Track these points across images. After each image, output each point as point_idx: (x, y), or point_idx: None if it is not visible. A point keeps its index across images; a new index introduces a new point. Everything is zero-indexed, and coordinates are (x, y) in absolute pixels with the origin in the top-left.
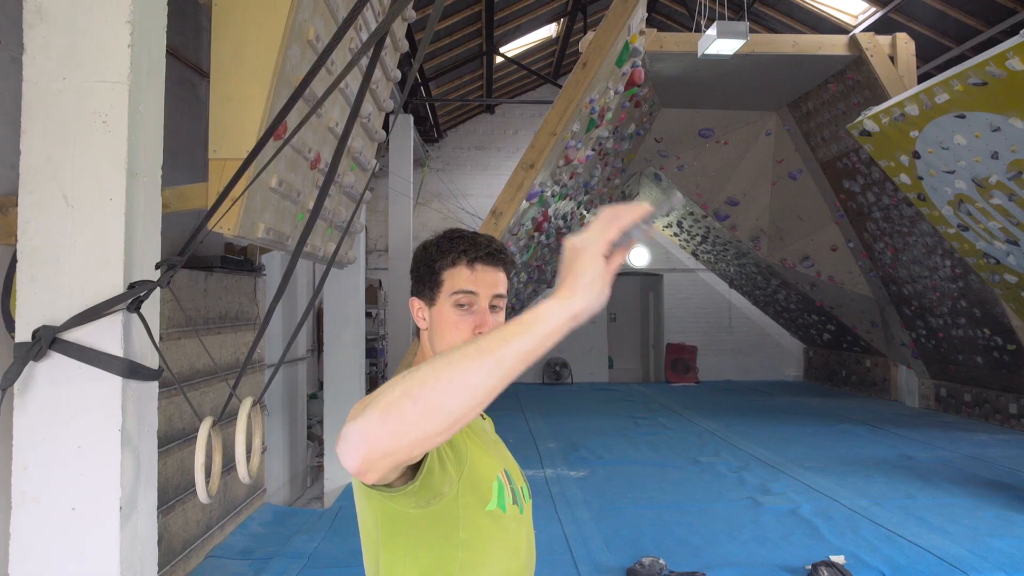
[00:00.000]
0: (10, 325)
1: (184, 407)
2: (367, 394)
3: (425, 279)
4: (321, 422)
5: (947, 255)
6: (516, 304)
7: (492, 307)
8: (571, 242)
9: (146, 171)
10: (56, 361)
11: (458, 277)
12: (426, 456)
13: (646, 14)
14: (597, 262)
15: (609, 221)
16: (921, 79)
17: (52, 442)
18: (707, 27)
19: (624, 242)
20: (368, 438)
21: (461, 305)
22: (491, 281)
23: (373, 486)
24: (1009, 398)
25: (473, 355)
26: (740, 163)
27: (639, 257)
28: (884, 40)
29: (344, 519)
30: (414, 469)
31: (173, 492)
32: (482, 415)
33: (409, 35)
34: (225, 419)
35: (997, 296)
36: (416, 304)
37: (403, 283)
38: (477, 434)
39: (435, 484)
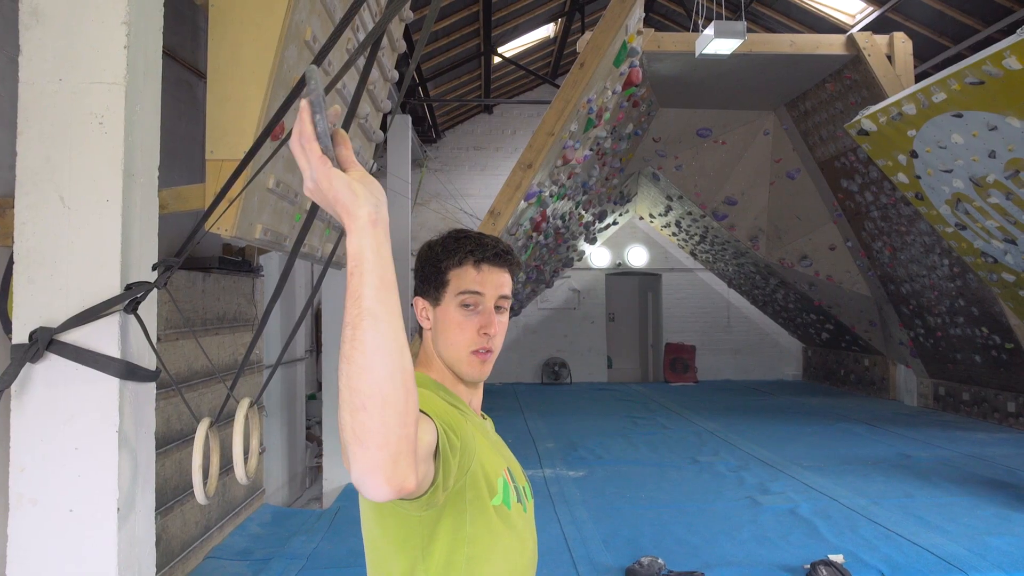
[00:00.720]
0: (7, 327)
1: (182, 408)
2: None
3: (430, 279)
4: (320, 423)
5: (945, 254)
6: (514, 304)
7: (497, 308)
8: (309, 193)
9: (143, 172)
10: (53, 363)
11: (464, 277)
12: (438, 446)
13: (644, 14)
14: (335, 177)
15: (300, 148)
16: (919, 78)
17: (49, 443)
18: (704, 27)
19: (327, 142)
20: (371, 466)
21: (467, 305)
22: (497, 282)
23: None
24: (1007, 396)
25: (352, 333)
26: (738, 163)
27: (638, 257)
28: (881, 39)
29: (343, 519)
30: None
31: (171, 493)
32: (483, 415)
33: (407, 35)
34: (223, 420)
35: (995, 295)
36: (420, 304)
37: (402, 283)
38: (482, 433)
39: (441, 485)
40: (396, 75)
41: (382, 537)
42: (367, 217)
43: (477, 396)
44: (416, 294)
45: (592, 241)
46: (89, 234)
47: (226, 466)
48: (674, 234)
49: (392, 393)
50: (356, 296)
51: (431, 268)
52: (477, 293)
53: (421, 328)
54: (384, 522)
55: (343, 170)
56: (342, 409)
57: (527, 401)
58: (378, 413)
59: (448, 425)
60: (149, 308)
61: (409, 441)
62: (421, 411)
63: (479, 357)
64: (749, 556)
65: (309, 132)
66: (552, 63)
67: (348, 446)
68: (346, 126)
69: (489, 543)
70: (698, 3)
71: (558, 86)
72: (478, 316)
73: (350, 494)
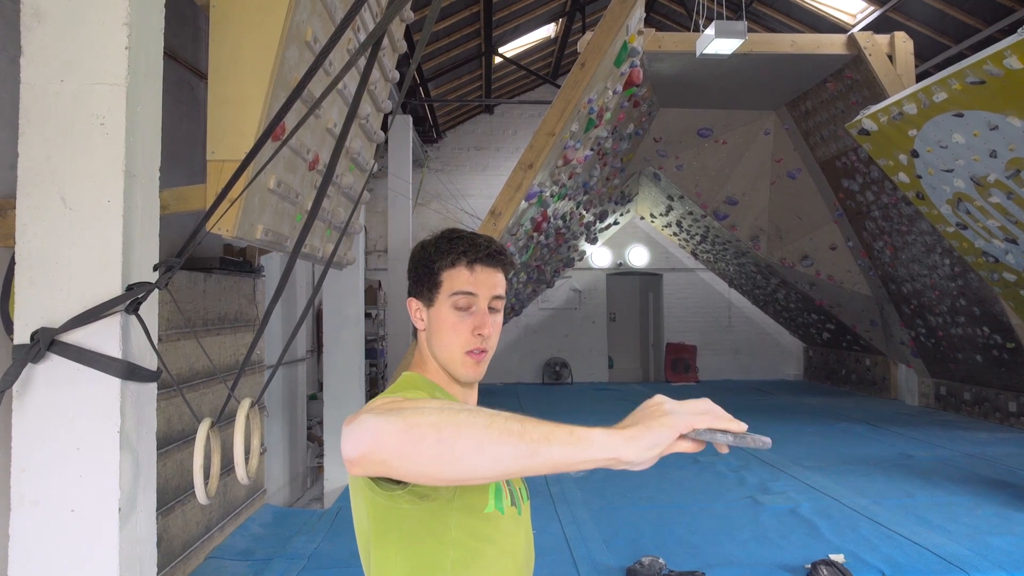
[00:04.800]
0: (9, 327)
1: (183, 408)
2: (367, 396)
3: (423, 280)
4: (321, 423)
5: (946, 254)
6: (515, 304)
7: (491, 308)
8: (662, 400)
9: (144, 173)
10: (55, 363)
11: (457, 278)
12: None
13: (644, 14)
14: (670, 433)
15: (704, 412)
16: (920, 78)
17: (51, 444)
18: (705, 27)
19: (702, 436)
20: (380, 440)
21: (460, 307)
22: (490, 282)
23: (372, 479)
24: (1008, 396)
25: (514, 434)
26: (739, 162)
27: (638, 257)
28: (882, 39)
29: (344, 520)
30: None
31: (173, 493)
32: None
33: (408, 36)
34: (224, 420)
35: (996, 294)
36: (414, 305)
37: (403, 284)
38: None
39: (422, 488)
40: (397, 75)
41: (368, 525)
42: (625, 456)
43: (472, 397)
44: (410, 295)
45: (593, 241)
46: (90, 235)
47: (227, 466)
48: (675, 234)
49: (451, 468)
50: (549, 438)
51: (424, 269)
52: (470, 294)
53: (417, 329)
54: (370, 511)
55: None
56: (437, 413)
57: (528, 401)
58: (432, 454)
59: None
60: (150, 308)
61: (405, 475)
62: None
63: (473, 358)
64: (750, 556)
65: (715, 425)
66: (553, 63)
67: (398, 415)
68: (347, 126)
69: (476, 548)
70: (699, 3)
71: (559, 86)
72: (472, 317)
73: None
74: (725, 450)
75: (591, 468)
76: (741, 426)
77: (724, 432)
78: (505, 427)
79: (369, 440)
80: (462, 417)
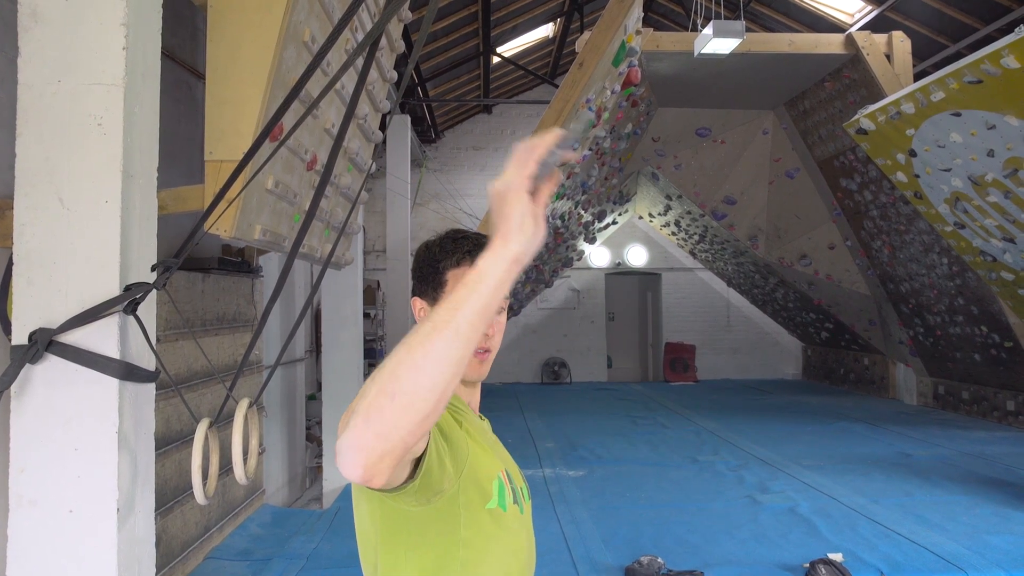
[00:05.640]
0: (6, 328)
1: (182, 409)
2: None
3: (428, 279)
4: (320, 423)
5: (944, 253)
6: (514, 304)
7: None
8: (493, 188)
9: (142, 173)
10: (53, 363)
11: (461, 277)
12: (424, 454)
13: (642, 14)
14: (522, 201)
15: (524, 156)
16: (917, 77)
17: (49, 444)
18: (703, 26)
19: (544, 172)
20: (360, 446)
21: None
22: None
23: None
24: (1007, 395)
25: (430, 332)
26: (737, 162)
27: (637, 256)
28: (880, 38)
29: (343, 520)
30: (414, 467)
31: (171, 494)
32: (480, 416)
33: (406, 35)
34: (223, 420)
35: (994, 293)
36: (418, 304)
37: (401, 284)
38: (477, 433)
39: (434, 482)
40: (395, 75)
41: (371, 529)
42: (515, 252)
43: (475, 396)
44: (414, 294)
45: (592, 241)
46: (88, 235)
47: (226, 466)
48: (673, 233)
49: (423, 402)
50: (455, 305)
51: (429, 268)
52: None
53: None
54: (373, 515)
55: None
56: (372, 383)
57: (527, 401)
58: (400, 409)
59: (440, 429)
60: (148, 309)
61: (405, 447)
62: None
63: (477, 357)
64: (749, 555)
65: (541, 151)
66: (551, 63)
67: (354, 416)
68: (344, 126)
69: (484, 546)
70: (697, 2)
71: (557, 86)
72: None
73: (350, 495)
74: (573, 158)
75: (507, 288)
76: (556, 133)
77: (551, 152)
78: (421, 336)
79: (355, 455)
80: (390, 364)
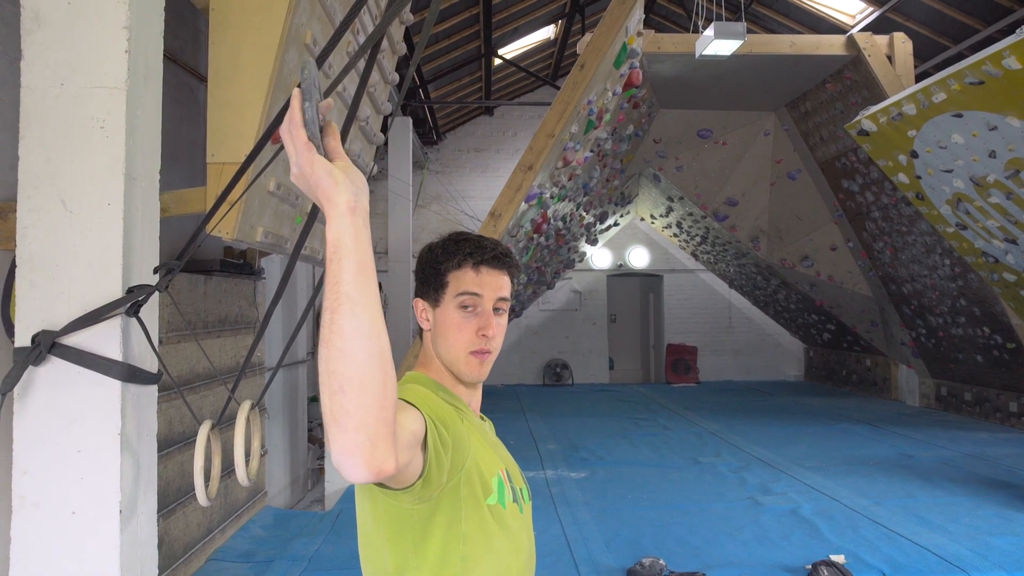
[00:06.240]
0: (10, 330)
1: (184, 411)
2: None
3: (430, 280)
4: (322, 425)
5: (946, 254)
6: (515, 305)
7: (496, 310)
8: (294, 179)
9: (144, 175)
10: (55, 366)
11: (463, 279)
12: (425, 454)
13: (643, 15)
14: (317, 163)
15: (288, 135)
16: (919, 78)
17: (52, 446)
18: (704, 28)
19: (314, 128)
20: (349, 448)
21: (466, 307)
22: (496, 284)
23: (381, 486)
24: (1009, 396)
25: (331, 319)
26: (739, 163)
27: (639, 258)
28: (882, 40)
29: (345, 522)
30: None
31: (174, 495)
32: (481, 416)
33: (407, 38)
34: (225, 422)
35: (996, 295)
36: (420, 305)
37: (403, 285)
38: (479, 433)
39: (434, 478)
40: (396, 77)
41: (375, 530)
42: (346, 204)
43: (476, 397)
44: (416, 295)
45: (593, 242)
46: (91, 238)
47: (228, 468)
48: (675, 235)
49: (369, 376)
50: (334, 282)
51: (431, 270)
52: (475, 295)
53: (422, 329)
54: (377, 515)
55: (330, 160)
56: (322, 393)
57: (529, 402)
58: (355, 395)
59: (440, 420)
60: (151, 311)
61: (387, 424)
62: (408, 401)
63: (478, 358)
64: (750, 557)
65: (297, 119)
66: (552, 65)
67: (328, 428)
68: (346, 129)
69: (484, 542)
70: (698, 4)
71: (558, 88)
72: (476, 318)
73: (352, 496)
74: (323, 112)
75: (364, 236)
76: (295, 96)
77: (306, 108)
78: (327, 326)
79: (351, 459)
80: (321, 371)
